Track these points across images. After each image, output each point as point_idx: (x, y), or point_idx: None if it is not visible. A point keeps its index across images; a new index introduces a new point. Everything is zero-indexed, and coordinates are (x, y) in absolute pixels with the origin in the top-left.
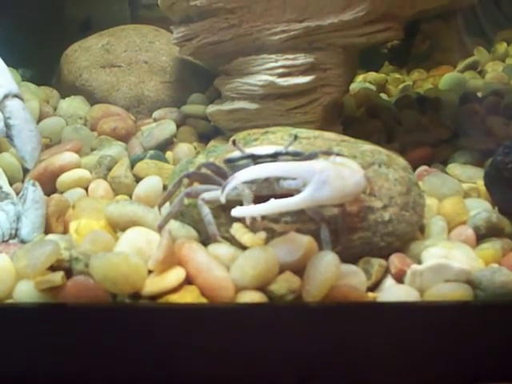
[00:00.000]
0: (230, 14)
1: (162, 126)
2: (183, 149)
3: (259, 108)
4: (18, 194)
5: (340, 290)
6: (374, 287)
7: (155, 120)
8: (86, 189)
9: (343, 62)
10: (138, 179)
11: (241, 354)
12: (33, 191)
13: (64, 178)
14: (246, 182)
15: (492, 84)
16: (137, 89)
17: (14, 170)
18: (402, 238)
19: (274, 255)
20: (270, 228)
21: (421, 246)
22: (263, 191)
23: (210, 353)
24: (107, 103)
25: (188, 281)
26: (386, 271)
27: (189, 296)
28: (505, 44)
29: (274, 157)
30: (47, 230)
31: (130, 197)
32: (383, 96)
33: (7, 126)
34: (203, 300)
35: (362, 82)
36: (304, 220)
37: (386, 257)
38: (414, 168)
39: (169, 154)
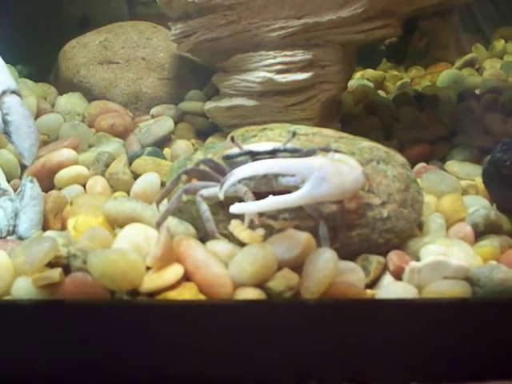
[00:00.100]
0: (228, 10)
1: (160, 122)
2: (181, 145)
3: (257, 105)
4: (15, 190)
5: (338, 286)
6: (372, 284)
7: (153, 117)
8: (84, 185)
9: (341, 58)
10: (135, 176)
11: (239, 351)
12: (31, 188)
13: (62, 174)
14: (244, 179)
15: (490, 81)
16: (135, 85)
17: (12, 167)
18: (401, 234)
19: (273, 252)
20: (269, 225)
21: (419, 243)
22: (262, 188)
23: (208, 350)
24: (105, 100)
25: (186, 277)
26: (385, 268)
27: (187, 293)
28: (503, 41)
29: (273, 153)
30: (45, 227)
31: (128, 193)
32: (381, 93)
33: (5, 122)
34: (201, 297)
35: (360, 78)
36: (302, 217)
37: (385, 254)
38: (412, 165)
39: (167, 151)
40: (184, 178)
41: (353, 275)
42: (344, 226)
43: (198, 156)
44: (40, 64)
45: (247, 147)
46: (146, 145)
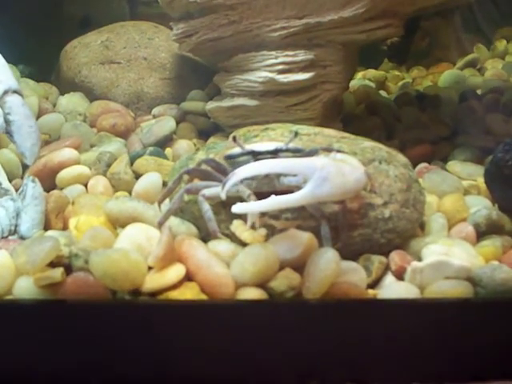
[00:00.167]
0: (230, 10)
1: (162, 122)
2: (183, 145)
3: (259, 105)
4: (17, 190)
5: (340, 286)
6: (374, 284)
7: (154, 116)
8: (86, 185)
9: (343, 58)
10: (137, 176)
11: (241, 351)
12: (32, 187)
13: (63, 174)
14: (246, 179)
15: (491, 81)
16: (136, 85)
17: (14, 166)
18: (403, 234)
19: (274, 252)
20: (271, 225)
21: (421, 243)
22: (264, 188)
23: (210, 350)
24: (106, 100)
25: (188, 277)
26: (387, 268)
27: (189, 293)
28: (504, 41)
29: (275, 153)
30: (47, 227)
31: (130, 193)
32: (383, 93)
33: (7, 121)
34: (203, 297)
35: (362, 79)
36: (304, 217)
37: (387, 254)
38: (414, 165)
39: (168, 151)
40: (186, 177)
41: (355, 275)
42: (346, 225)
43: (199, 156)
44: (41, 64)
45: (249, 147)
46: (147, 145)
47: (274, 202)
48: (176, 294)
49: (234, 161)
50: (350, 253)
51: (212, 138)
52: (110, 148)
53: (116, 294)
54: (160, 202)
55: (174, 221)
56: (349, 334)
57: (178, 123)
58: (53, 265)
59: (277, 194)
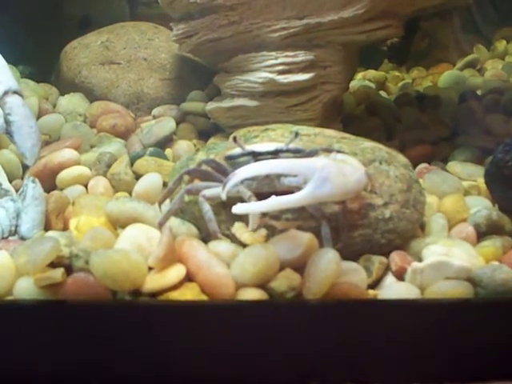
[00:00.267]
0: (230, 10)
1: (162, 123)
2: (183, 146)
3: (259, 105)
4: (17, 190)
5: (340, 287)
6: (374, 285)
7: (154, 117)
8: (86, 186)
9: (343, 59)
10: (137, 176)
11: (241, 352)
12: (32, 188)
13: (64, 174)
14: (246, 179)
15: (491, 82)
16: (136, 86)
17: (14, 167)
18: (403, 235)
19: (275, 252)
20: (271, 225)
21: (421, 244)
22: (264, 188)
23: (210, 350)
24: (107, 100)
25: (188, 278)
26: (387, 269)
27: (189, 293)
28: (504, 42)
29: (275, 154)
30: (47, 227)
31: (130, 194)
32: (383, 94)
33: (7, 122)
34: (203, 297)
35: (362, 79)
36: (305, 217)
37: (387, 254)
38: (414, 166)
39: (168, 151)
40: (186, 178)
41: (355, 276)
42: (346, 226)
43: (199, 156)
44: (41, 64)
45: (249, 147)
46: (147, 145)
47: (274, 203)
48: (176, 295)
49: (234, 161)
50: (350, 253)
51: (212, 138)
52: (110, 149)
53: (116, 295)
54: (160, 203)
55: (174, 221)
56: (349, 334)
57: (178, 124)
58: (53, 265)
59: (277, 194)
